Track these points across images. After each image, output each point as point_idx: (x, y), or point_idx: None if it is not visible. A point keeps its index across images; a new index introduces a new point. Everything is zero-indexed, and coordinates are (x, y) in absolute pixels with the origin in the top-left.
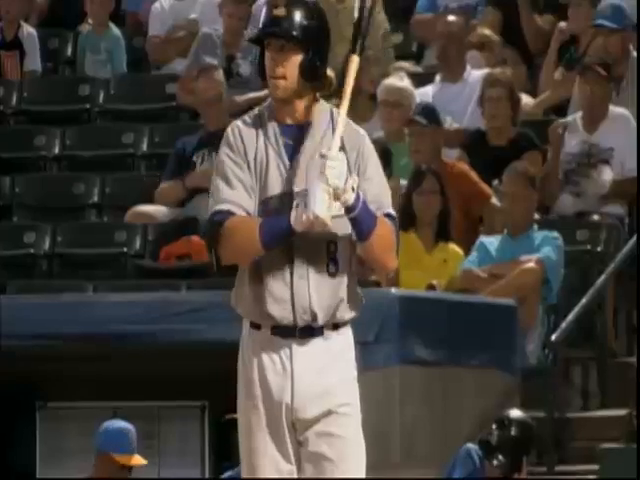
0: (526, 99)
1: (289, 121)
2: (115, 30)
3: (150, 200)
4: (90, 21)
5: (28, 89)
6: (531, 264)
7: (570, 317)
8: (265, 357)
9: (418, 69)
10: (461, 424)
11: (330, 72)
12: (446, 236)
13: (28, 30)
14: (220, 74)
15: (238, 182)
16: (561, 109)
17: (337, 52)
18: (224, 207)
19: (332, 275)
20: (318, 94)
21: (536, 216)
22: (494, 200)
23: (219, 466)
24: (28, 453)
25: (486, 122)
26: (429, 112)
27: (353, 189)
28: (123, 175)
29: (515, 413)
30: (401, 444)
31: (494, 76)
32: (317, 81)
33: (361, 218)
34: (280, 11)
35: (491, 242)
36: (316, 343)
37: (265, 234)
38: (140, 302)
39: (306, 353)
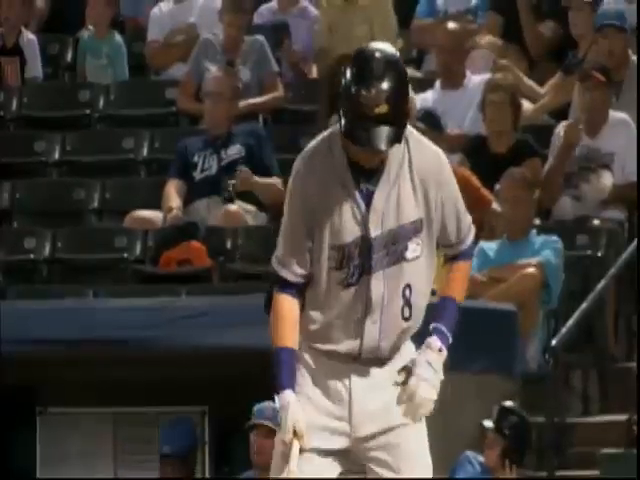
0: (526, 104)
1: (365, 171)
2: (116, 36)
3: (150, 205)
4: (90, 26)
5: (28, 94)
6: (531, 269)
7: (570, 322)
8: (322, 377)
9: (418, 74)
10: (461, 429)
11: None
12: None
13: (28, 36)
14: (237, 79)
15: (297, 243)
16: (562, 114)
17: (345, 51)
18: (284, 275)
19: (406, 320)
20: None
21: (536, 221)
22: (495, 206)
23: (219, 471)
24: (28, 458)
25: (487, 127)
26: (431, 118)
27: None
28: (123, 180)
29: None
30: None
31: (495, 81)
32: (403, 131)
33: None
34: (382, 108)
35: (490, 247)
36: (375, 366)
37: (274, 358)
38: (140, 307)
39: (365, 373)
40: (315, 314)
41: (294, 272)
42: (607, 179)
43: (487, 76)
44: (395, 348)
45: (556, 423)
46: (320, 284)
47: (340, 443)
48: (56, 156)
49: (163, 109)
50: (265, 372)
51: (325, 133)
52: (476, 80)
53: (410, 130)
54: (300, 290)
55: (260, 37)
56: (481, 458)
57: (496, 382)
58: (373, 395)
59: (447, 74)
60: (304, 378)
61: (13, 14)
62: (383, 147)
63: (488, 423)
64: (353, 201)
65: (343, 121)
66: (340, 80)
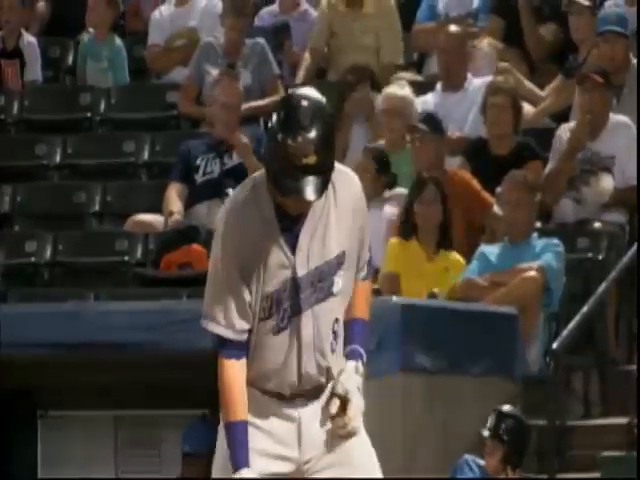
0: (527, 107)
1: (291, 215)
2: (116, 39)
3: (151, 209)
4: (90, 30)
5: (29, 98)
6: (532, 272)
7: (571, 325)
8: (272, 405)
9: (419, 78)
10: (462, 432)
11: None
12: (447, 244)
13: (29, 39)
14: (240, 83)
15: (234, 295)
16: (563, 117)
17: (350, 60)
18: (222, 333)
19: (333, 352)
20: None
21: (537, 224)
22: (496, 209)
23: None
24: (29, 461)
25: (488, 130)
26: (432, 121)
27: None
28: (124, 183)
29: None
30: (403, 452)
31: (497, 84)
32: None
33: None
34: (310, 159)
35: (491, 250)
36: (318, 394)
37: (228, 435)
38: (141, 311)
39: (308, 401)
40: (254, 360)
41: (236, 329)
42: (608, 182)
43: (488, 79)
44: (331, 376)
45: (557, 426)
46: (253, 334)
47: (288, 467)
48: (57, 159)
49: (164, 112)
50: None
51: (250, 181)
52: (477, 83)
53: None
54: (243, 346)
55: (261, 40)
56: (481, 461)
57: (497, 385)
58: (319, 419)
59: (448, 76)
60: (253, 408)
61: (14, 17)
62: (312, 198)
63: (485, 431)
64: (279, 248)
65: (269, 170)
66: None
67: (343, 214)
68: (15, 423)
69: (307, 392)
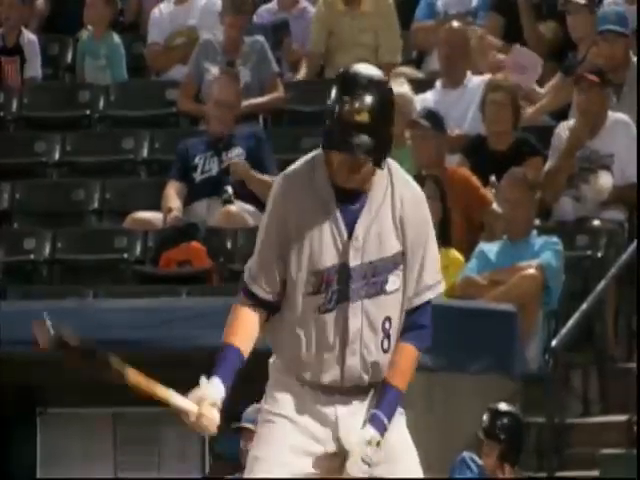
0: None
1: (346, 194)
2: (115, 37)
3: (150, 206)
4: (89, 27)
5: (28, 95)
6: (531, 270)
7: (570, 323)
8: (307, 403)
9: (418, 75)
10: (462, 429)
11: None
12: (447, 242)
13: (29, 37)
14: (239, 81)
15: (271, 263)
16: (562, 114)
17: (348, 58)
18: (253, 289)
19: (385, 352)
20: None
21: (536, 222)
22: (495, 206)
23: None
24: (28, 458)
25: (487, 127)
26: (433, 117)
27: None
28: (123, 181)
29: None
30: None
31: (496, 81)
32: (384, 158)
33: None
34: (363, 117)
35: (490, 248)
36: (358, 395)
37: (218, 354)
38: (140, 308)
39: (348, 402)
40: (294, 340)
41: (262, 288)
42: (607, 180)
43: (488, 76)
44: (377, 378)
45: (556, 423)
46: (296, 309)
47: (316, 466)
48: (56, 157)
49: (163, 110)
50: (264, 372)
51: (308, 156)
52: (476, 80)
53: (396, 166)
54: (263, 307)
55: (260, 38)
56: (479, 460)
57: (496, 383)
58: (358, 421)
59: (449, 72)
60: (289, 403)
61: (13, 14)
62: (359, 153)
63: (480, 433)
64: (335, 225)
65: (326, 130)
66: None
67: (400, 215)
68: (14, 420)
69: (347, 390)
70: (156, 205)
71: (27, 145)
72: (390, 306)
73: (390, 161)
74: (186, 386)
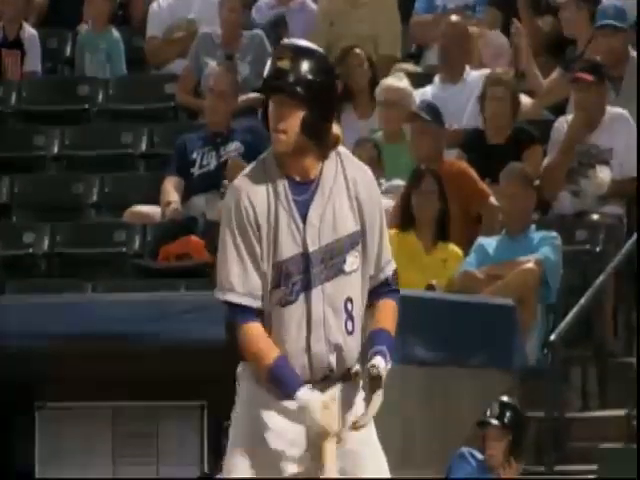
0: (525, 99)
1: (297, 177)
2: (114, 31)
3: (149, 200)
4: (88, 21)
5: (27, 89)
6: (530, 264)
7: (569, 317)
8: (280, 402)
9: (417, 69)
10: (461, 424)
11: (337, 129)
12: (445, 236)
13: (30, 31)
14: (235, 74)
15: (250, 261)
16: (561, 109)
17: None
18: (242, 301)
19: (350, 333)
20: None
21: (535, 216)
22: (493, 200)
23: (218, 466)
24: (27, 453)
25: (485, 121)
26: (433, 111)
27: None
28: (122, 175)
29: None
30: (400, 444)
31: (497, 75)
32: (319, 139)
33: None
34: (284, 63)
35: (489, 243)
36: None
37: (271, 378)
38: (139, 302)
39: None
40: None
41: (254, 295)
42: (606, 175)
43: (487, 71)
44: (344, 364)
45: (555, 418)
46: (263, 305)
47: (300, 469)
48: (55, 150)
49: (162, 104)
50: None
51: (258, 159)
52: (475, 75)
53: (345, 151)
54: (259, 316)
55: (259, 31)
56: (477, 454)
57: (495, 377)
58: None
59: (448, 66)
60: (259, 408)
61: (9, 8)
62: (279, 91)
63: (493, 420)
64: (290, 216)
65: None
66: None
67: (355, 196)
68: (13, 414)
69: (317, 382)
70: (155, 199)
71: (26, 139)
72: (351, 286)
73: (340, 148)
74: (185, 379)
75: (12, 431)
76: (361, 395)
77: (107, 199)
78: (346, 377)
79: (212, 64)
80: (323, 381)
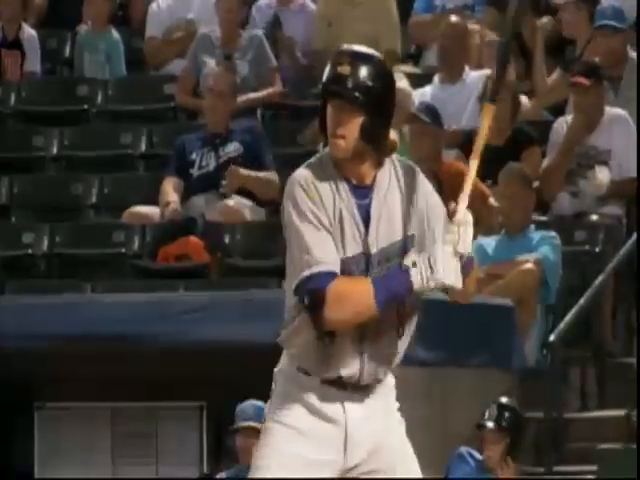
0: (524, 100)
1: (354, 181)
2: (114, 32)
3: (149, 200)
4: (88, 22)
5: (26, 89)
6: (529, 264)
7: (568, 317)
8: (316, 404)
9: (416, 70)
10: (460, 424)
11: (393, 135)
12: None
13: (29, 32)
14: (234, 74)
15: (327, 236)
16: (560, 109)
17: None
18: (323, 269)
19: (400, 337)
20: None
21: (534, 216)
22: (492, 200)
23: (217, 466)
24: (26, 453)
25: None
26: (432, 112)
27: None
28: (121, 175)
29: (507, 400)
30: None
31: None
32: (377, 144)
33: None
34: (344, 69)
35: (488, 243)
36: (366, 395)
37: (380, 296)
38: (138, 302)
39: (357, 401)
40: (314, 334)
41: (334, 262)
42: (605, 175)
43: (486, 71)
44: (390, 368)
45: (554, 418)
46: None
47: (329, 472)
48: (54, 151)
49: (161, 104)
50: (263, 367)
51: (314, 156)
52: (475, 75)
53: (398, 156)
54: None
55: (258, 32)
56: (476, 454)
57: (494, 377)
58: (366, 424)
59: (447, 66)
60: (296, 410)
61: (8, 9)
62: (341, 97)
63: (490, 423)
64: (352, 218)
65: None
66: None
67: (410, 198)
68: (12, 414)
69: (359, 389)
70: (154, 199)
71: (25, 139)
72: None
73: (393, 156)
74: (184, 379)
75: (12, 431)
76: (391, 401)
77: (106, 200)
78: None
79: (211, 64)
80: (364, 389)
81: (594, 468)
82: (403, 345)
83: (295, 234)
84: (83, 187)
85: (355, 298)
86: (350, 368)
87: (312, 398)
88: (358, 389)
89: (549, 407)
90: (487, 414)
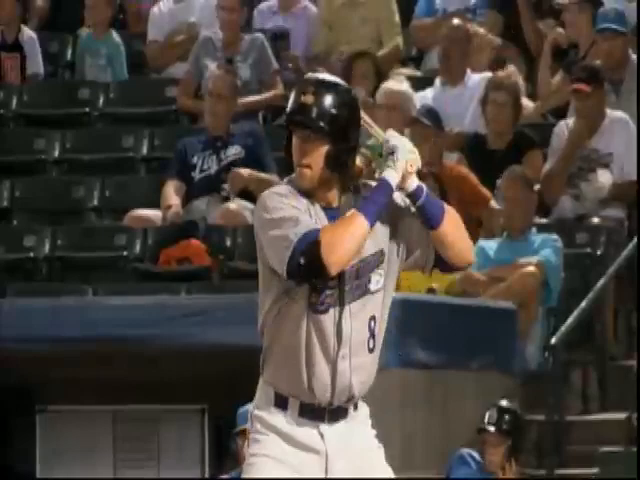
0: (526, 102)
1: (323, 204)
2: (115, 36)
3: (150, 203)
4: (89, 26)
5: (28, 92)
6: (531, 267)
7: (570, 320)
8: (295, 436)
9: (418, 73)
10: (461, 427)
11: (359, 162)
12: None
13: (29, 34)
14: (235, 77)
15: (304, 213)
16: (562, 112)
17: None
18: (306, 230)
19: (371, 351)
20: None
21: (536, 219)
22: (493, 203)
23: (219, 469)
24: (28, 456)
25: (487, 125)
26: (432, 115)
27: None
28: (123, 178)
29: (507, 403)
30: (401, 447)
31: (499, 79)
32: (343, 172)
33: (429, 203)
34: (308, 98)
35: (490, 246)
36: (342, 422)
37: (366, 210)
38: (140, 305)
39: (335, 433)
40: (287, 354)
41: (315, 226)
42: (606, 178)
43: (487, 74)
44: (363, 386)
45: (555, 421)
46: (293, 311)
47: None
48: (56, 154)
49: (163, 107)
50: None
51: (283, 181)
52: (476, 78)
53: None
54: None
55: (260, 35)
56: (477, 456)
57: (496, 380)
58: (345, 449)
59: (449, 69)
60: (272, 440)
61: (7, 12)
62: (302, 127)
63: (491, 427)
64: None
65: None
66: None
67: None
68: (13, 417)
69: (333, 411)
70: (156, 202)
71: (27, 142)
72: (375, 305)
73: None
74: (185, 382)
75: (13, 434)
76: (368, 428)
77: (108, 203)
78: (355, 408)
79: (212, 67)
80: (337, 411)
81: (595, 471)
82: (374, 361)
83: (272, 224)
84: (85, 190)
85: (345, 224)
86: (322, 387)
87: (290, 430)
88: (334, 415)
89: (550, 410)
90: (487, 418)
